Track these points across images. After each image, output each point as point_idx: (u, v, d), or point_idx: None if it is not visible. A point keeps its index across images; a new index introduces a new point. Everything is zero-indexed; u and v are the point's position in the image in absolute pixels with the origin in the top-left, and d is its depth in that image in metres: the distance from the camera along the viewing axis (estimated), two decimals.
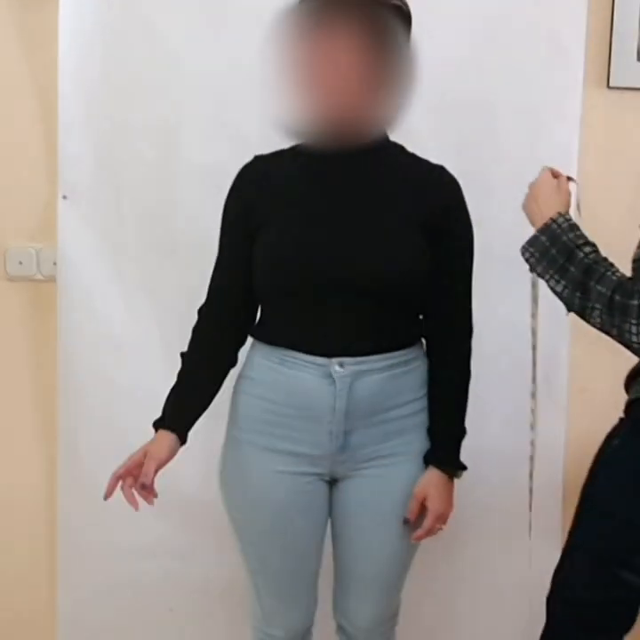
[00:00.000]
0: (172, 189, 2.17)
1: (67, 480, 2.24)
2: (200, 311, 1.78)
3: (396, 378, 1.64)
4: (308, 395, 1.63)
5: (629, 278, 1.49)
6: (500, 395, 2.18)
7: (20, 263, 2.23)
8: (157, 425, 1.72)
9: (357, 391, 1.61)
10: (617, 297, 1.44)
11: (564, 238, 1.54)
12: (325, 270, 1.58)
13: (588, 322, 1.51)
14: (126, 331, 2.21)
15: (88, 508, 2.23)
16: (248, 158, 2.13)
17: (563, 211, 1.59)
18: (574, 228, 1.56)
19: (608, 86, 2.17)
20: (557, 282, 1.53)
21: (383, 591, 1.76)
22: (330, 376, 1.61)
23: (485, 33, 2.13)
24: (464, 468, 1.71)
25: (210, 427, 2.19)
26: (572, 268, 1.51)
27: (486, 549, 2.30)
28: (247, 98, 2.12)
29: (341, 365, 1.60)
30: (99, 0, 2.10)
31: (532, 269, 1.60)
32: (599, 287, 1.47)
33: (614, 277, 1.47)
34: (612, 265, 1.52)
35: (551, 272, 1.54)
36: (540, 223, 1.59)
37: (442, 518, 1.69)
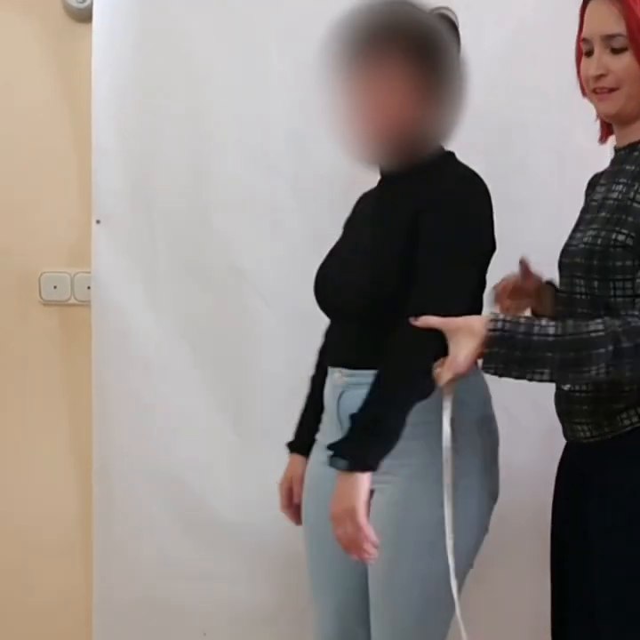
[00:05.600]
0: (204, 213, 2.19)
1: (101, 502, 2.24)
2: None
3: None
4: (326, 398, 1.72)
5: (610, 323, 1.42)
6: (531, 416, 2.17)
7: (55, 288, 2.26)
8: (290, 447, 1.85)
9: (345, 402, 1.64)
10: (624, 344, 1.39)
11: (518, 336, 1.42)
12: (320, 293, 1.72)
13: (588, 378, 1.45)
14: (160, 354, 2.22)
15: (122, 529, 2.25)
16: (279, 182, 2.18)
17: (485, 319, 1.45)
18: (515, 320, 1.45)
19: None
20: (542, 373, 1.43)
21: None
22: (332, 383, 1.69)
23: (514, 48, 2.13)
24: (345, 461, 1.48)
25: (242, 450, 2.23)
26: (550, 354, 1.41)
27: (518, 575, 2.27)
28: (278, 125, 2.16)
29: (340, 374, 1.67)
30: (131, 30, 2.14)
31: (504, 376, 1.46)
32: (595, 351, 1.39)
33: (602, 333, 1.40)
34: (579, 323, 1.44)
35: (530, 370, 1.43)
36: (478, 342, 1.43)
37: (332, 518, 1.50)
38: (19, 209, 2.25)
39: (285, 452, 1.85)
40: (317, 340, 1.80)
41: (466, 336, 1.44)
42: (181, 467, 2.22)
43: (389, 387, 1.50)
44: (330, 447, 1.51)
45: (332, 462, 1.49)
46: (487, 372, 1.45)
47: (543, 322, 1.46)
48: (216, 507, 2.22)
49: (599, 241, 1.51)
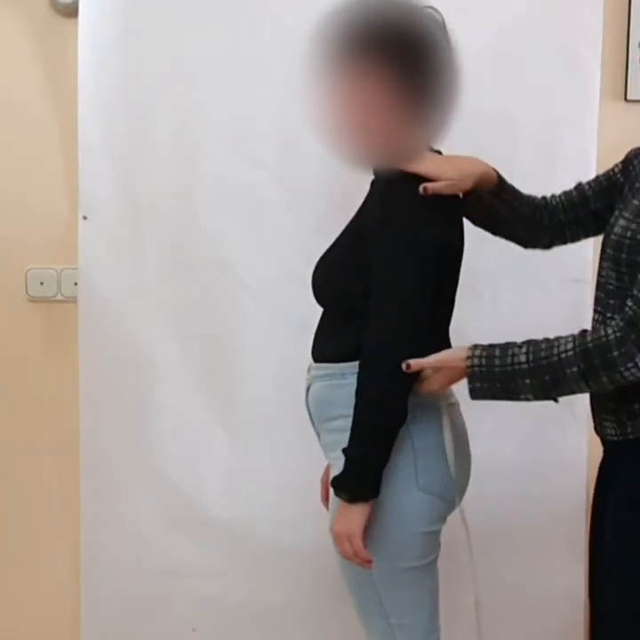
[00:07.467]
0: (192, 209, 2.19)
1: (89, 498, 2.24)
2: None
3: (332, 388, 1.64)
4: None
5: (583, 334, 1.45)
6: (519, 412, 2.17)
7: (42, 284, 2.25)
8: None
9: (309, 395, 1.69)
10: (595, 361, 1.42)
11: (496, 370, 1.48)
12: None
13: (575, 393, 1.49)
14: (148, 350, 2.22)
15: (110, 526, 2.25)
16: (266, 177, 2.18)
17: (463, 355, 1.51)
18: (490, 354, 1.50)
19: (625, 99, 2.17)
20: (527, 398, 1.49)
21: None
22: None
23: (502, 47, 2.13)
24: (346, 495, 1.54)
25: (230, 447, 2.23)
26: (528, 380, 1.46)
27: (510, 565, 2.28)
28: (265, 120, 2.15)
29: (309, 368, 1.70)
30: (118, 25, 2.13)
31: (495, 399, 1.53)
32: (568, 370, 1.43)
33: (571, 352, 1.43)
34: (552, 342, 1.47)
35: (514, 397, 1.49)
36: (459, 376, 1.53)
37: (334, 535, 1.57)
38: (5, 204, 2.24)
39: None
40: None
41: (448, 372, 1.53)
42: (169, 463, 2.22)
43: (364, 414, 1.53)
44: (332, 483, 1.57)
45: (336, 494, 1.56)
46: (477, 399, 1.52)
47: (516, 348, 1.49)
48: (205, 503, 2.22)
49: (628, 233, 1.47)
